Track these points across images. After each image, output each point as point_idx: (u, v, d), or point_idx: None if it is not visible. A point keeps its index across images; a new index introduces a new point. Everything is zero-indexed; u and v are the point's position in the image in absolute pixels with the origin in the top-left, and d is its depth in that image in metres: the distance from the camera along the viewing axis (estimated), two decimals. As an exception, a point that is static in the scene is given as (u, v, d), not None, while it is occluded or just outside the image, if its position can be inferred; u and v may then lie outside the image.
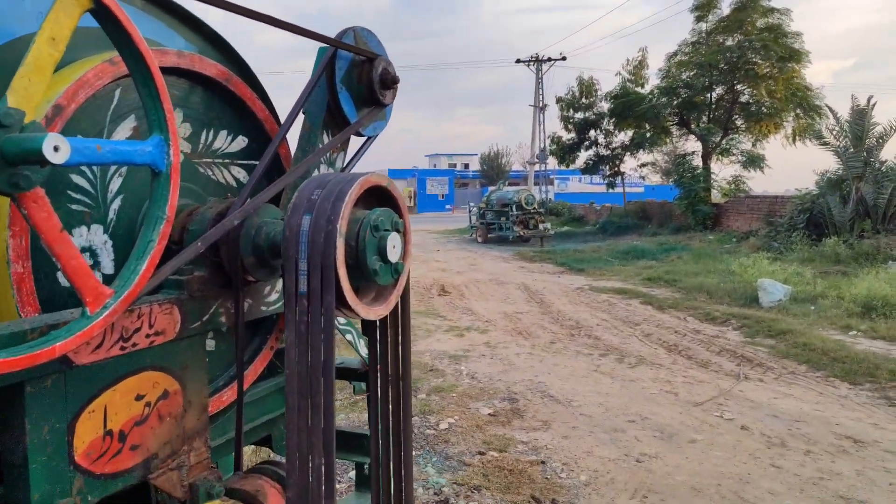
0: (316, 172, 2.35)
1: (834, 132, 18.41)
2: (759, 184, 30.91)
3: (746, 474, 4.94)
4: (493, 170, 70.15)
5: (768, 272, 13.22)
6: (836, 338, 9.26)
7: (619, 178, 32.76)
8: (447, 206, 64.77)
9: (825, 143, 18.44)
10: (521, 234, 26.08)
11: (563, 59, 43.16)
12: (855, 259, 14.60)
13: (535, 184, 44.60)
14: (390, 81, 2.49)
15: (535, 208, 26.84)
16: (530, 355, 8.65)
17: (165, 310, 1.67)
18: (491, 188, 36.27)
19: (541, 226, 26.16)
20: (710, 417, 6.24)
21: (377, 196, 1.93)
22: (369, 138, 2.63)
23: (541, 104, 42.70)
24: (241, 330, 1.92)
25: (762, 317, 10.62)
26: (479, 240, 28.06)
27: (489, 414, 6.29)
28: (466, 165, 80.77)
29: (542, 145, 41.18)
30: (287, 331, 1.67)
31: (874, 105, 17.70)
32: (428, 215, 58.57)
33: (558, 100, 33.35)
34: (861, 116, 17.65)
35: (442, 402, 6.61)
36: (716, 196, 26.62)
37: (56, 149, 1.19)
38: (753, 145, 27.03)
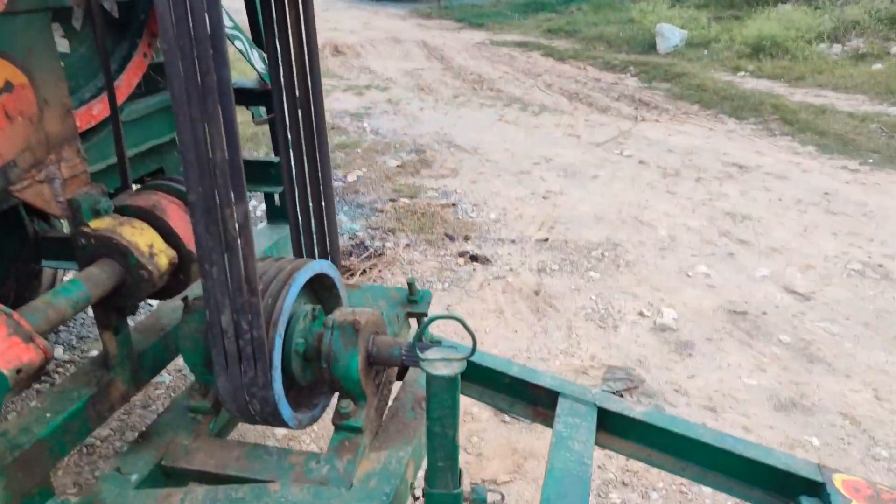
0: None
1: None
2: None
3: (644, 201, 5.24)
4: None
5: (667, 17, 13.08)
6: (727, 79, 9.55)
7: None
8: (332, -37, 58.50)
9: None
10: (416, -11, 24.16)
11: None
12: (747, 2, 14.64)
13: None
14: None
15: (429, -41, 24.60)
16: (434, 110, 8.41)
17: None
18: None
19: (436, -20, 24.23)
20: (610, 155, 6.44)
21: None
22: None
23: None
24: (101, 23, 1.53)
25: (659, 62, 10.71)
26: (371, -2, 25.85)
27: (397, 165, 6.18)
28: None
29: None
30: (161, 36, 1.30)
31: None
32: (311, -26, 52.87)
33: None
34: None
35: (347, 158, 6.41)
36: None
37: None
38: None
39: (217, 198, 1.33)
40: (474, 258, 4.40)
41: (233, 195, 1.32)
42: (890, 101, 7.87)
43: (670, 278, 4.07)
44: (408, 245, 4.54)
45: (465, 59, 11.98)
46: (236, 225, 1.34)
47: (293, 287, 1.55)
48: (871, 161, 6.07)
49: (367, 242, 4.53)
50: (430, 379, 1.35)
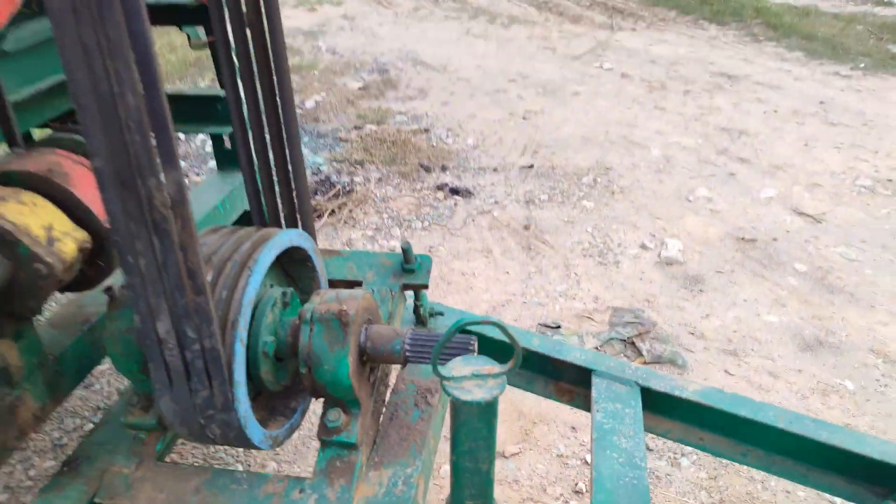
0: None
1: None
2: None
3: (632, 118, 4.83)
4: None
5: (636, -84, 12.24)
6: (703, -19, 8.98)
7: None
8: None
9: None
10: None
11: None
12: None
13: None
14: None
15: None
16: (394, 24, 7.71)
17: None
18: None
19: None
20: (590, 69, 5.95)
21: None
22: None
23: None
24: None
25: (630, -35, 10.03)
26: None
27: (359, 88, 5.61)
28: None
29: None
30: None
31: None
32: None
33: None
34: None
35: (304, 82, 5.80)
36: None
37: None
38: None
39: (135, 164, 0.89)
40: (455, 191, 3.99)
41: (158, 159, 0.89)
42: (874, 1, 7.48)
43: (670, 204, 3.74)
44: (379, 179, 4.08)
45: (422, -33, 11.06)
46: (167, 200, 0.91)
47: (255, 273, 1.14)
48: (862, 66, 5.73)
49: (334, 178, 4.06)
50: (459, 405, 0.99)
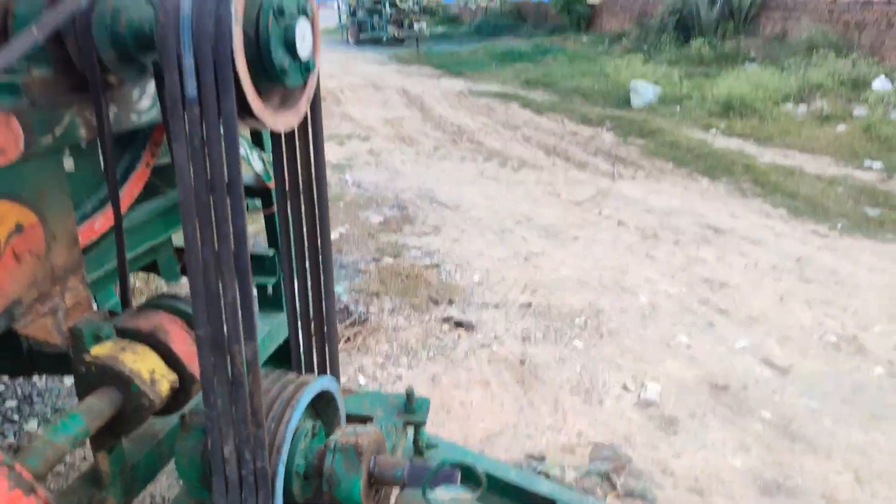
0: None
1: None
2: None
3: (625, 265, 5.32)
4: (360, -39, 63.88)
5: (640, 73, 13.49)
6: (699, 136, 9.83)
7: (495, -26, 31.04)
8: (311, 4, 59.26)
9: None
10: (396, 34, 24.67)
11: None
12: (717, 60, 15.15)
13: (407, -22, 41.43)
14: None
15: (409, 7, 25.20)
16: (415, 163, 8.50)
17: (-1, 120, 1.27)
18: (360, -18, 33.30)
19: (416, 26, 24.79)
20: (590, 215, 6.55)
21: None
22: None
23: None
24: (109, 141, 1.54)
25: (634, 118, 11.00)
26: (351, 40, 26.27)
27: (379, 222, 6.21)
28: (330, -44, 73.06)
29: (413, -67, 37.57)
30: (176, 147, 1.32)
31: None
32: (291, 14, 53.53)
33: None
34: None
35: (330, 213, 6.40)
36: (591, -6, 26.08)
37: None
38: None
39: (226, 335, 1.34)
40: (459, 324, 4.41)
41: (243, 334, 1.33)
42: (854, 164, 8.16)
43: (652, 348, 4.12)
44: (392, 310, 4.53)
45: (444, 109, 12.16)
46: (244, 362, 1.35)
47: (297, 410, 1.55)
48: (839, 226, 6.26)
49: (352, 307, 4.51)
50: (439, 520, 1.36)
